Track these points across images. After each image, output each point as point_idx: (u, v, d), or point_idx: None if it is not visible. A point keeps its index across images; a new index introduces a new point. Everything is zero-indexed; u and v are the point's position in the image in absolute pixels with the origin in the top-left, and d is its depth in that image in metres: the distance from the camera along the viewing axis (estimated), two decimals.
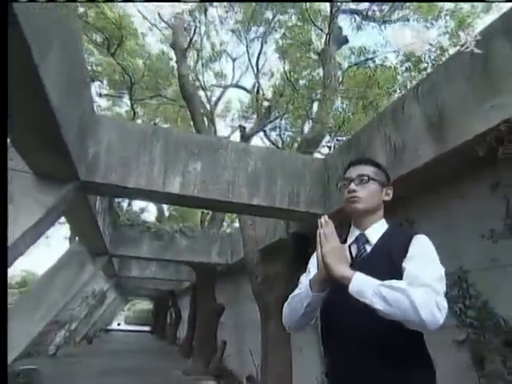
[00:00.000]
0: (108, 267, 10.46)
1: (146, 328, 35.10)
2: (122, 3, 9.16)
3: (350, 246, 1.50)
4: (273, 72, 11.54)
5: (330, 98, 6.54)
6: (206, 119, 11.87)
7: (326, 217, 1.43)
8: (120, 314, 41.80)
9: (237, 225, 9.66)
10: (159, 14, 10.61)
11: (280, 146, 11.46)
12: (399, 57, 8.03)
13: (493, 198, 2.93)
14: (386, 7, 9.14)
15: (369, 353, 1.31)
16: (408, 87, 6.52)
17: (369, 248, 1.47)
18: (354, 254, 1.48)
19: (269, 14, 9.88)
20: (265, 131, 11.52)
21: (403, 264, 1.33)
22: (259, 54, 10.81)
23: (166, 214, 15.74)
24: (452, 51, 7.57)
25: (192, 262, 9.69)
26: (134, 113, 10.36)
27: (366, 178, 1.55)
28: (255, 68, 10.92)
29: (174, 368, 10.23)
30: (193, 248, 9.00)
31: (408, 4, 8.83)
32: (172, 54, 10.10)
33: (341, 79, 7.37)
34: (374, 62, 8.21)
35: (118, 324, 40.58)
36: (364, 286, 1.22)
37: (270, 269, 5.91)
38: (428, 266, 1.33)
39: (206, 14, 10.58)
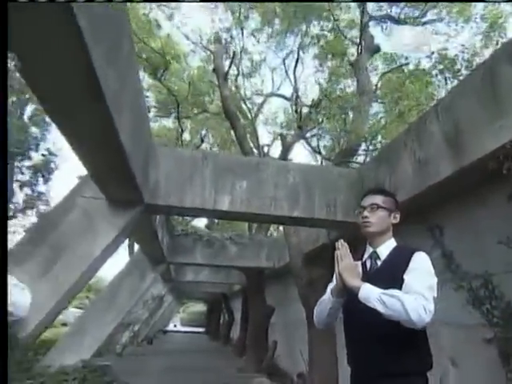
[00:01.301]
0: (166, 273, 11.37)
1: (201, 329, 36.39)
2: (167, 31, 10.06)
3: (365, 261, 1.96)
4: (310, 80, 11.92)
5: (364, 108, 6.87)
6: (248, 130, 12.51)
7: (342, 241, 1.89)
8: (176, 316, 43.65)
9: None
10: (200, 36, 11.42)
11: (321, 152, 11.83)
12: (432, 60, 8.15)
13: (510, 207, 3.20)
14: (417, 11, 9.26)
15: (375, 342, 1.75)
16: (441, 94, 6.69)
17: (379, 263, 1.92)
18: (368, 267, 1.94)
19: (303, 26, 10.29)
20: (306, 138, 11.93)
21: (404, 275, 1.77)
22: (296, 63, 11.23)
23: (216, 220, 16.54)
24: (486, 52, 7.62)
25: (242, 267, 10.32)
26: (182, 129, 11.19)
27: (376, 206, 1.99)
28: (293, 77, 11.35)
29: (229, 366, 10.89)
30: (242, 254, 9.61)
31: (440, 6, 8.91)
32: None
33: (374, 87, 7.65)
34: (408, 65, 8.37)
35: (175, 325, 42.30)
36: (369, 294, 1.67)
37: (314, 272, 6.33)
38: (421, 277, 1.75)
39: (242, 29, 11.22)
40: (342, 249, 1.85)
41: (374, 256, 1.95)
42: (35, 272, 3.93)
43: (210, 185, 4.65)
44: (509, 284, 3.31)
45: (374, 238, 1.96)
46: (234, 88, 11.58)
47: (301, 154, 14.38)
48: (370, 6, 9.28)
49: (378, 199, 2.01)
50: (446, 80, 8.29)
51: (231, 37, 10.97)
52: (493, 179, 3.35)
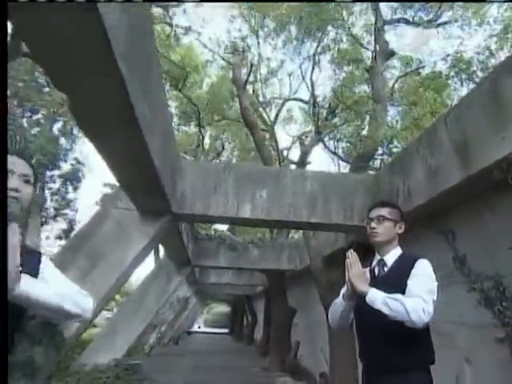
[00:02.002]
0: (190, 276, 11.78)
1: (224, 330, 36.86)
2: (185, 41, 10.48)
3: (374, 268, 2.21)
4: (328, 83, 12.12)
5: (379, 114, 7.04)
6: (267, 134, 12.77)
7: (351, 250, 2.15)
8: (199, 317, 44.30)
9: None
10: (218, 45, 11.77)
11: (339, 155, 11.97)
12: (448, 62, 8.23)
13: None
14: (431, 13, 9.34)
15: (382, 340, 2.00)
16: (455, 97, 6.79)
17: (386, 269, 2.17)
18: (376, 274, 2.19)
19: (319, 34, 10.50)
20: (323, 142, 12.11)
21: (408, 281, 2.01)
22: (312, 68, 11.44)
23: None
24: (502, 54, 7.66)
25: (263, 269, 10.61)
26: (203, 136, 11.60)
27: (382, 218, 2.23)
28: (309, 82, 11.55)
29: (253, 366, 11.20)
30: (264, 256, 9.90)
31: (455, 7, 8.97)
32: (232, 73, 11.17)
33: (390, 91, 7.80)
34: (423, 68, 8.48)
35: (199, 327, 42.91)
36: (376, 298, 1.92)
37: (333, 274, 6.54)
38: (422, 282, 1.98)
39: (258, 37, 11.54)
40: (352, 257, 2.10)
41: (382, 263, 2.19)
42: (75, 277, 4.30)
43: (233, 194, 4.95)
44: None
45: (381, 247, 2.20)
46: (251, 92, 11.87)
47: (321, 156, 14.58)
48: (384, 9, 9.44)
49: (384, 211, 2.24)
50: (461, 82, 8.39)
51: (248, 45, 11.32)
52: (500, 187, 3.52)
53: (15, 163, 1.39)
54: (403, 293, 1.94)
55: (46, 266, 1.47)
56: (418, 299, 1.87)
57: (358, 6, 10.27)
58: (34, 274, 1.35)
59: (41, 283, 1.34)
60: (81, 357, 8.17)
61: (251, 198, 4.98)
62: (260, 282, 13.65)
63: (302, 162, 11.99)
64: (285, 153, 14.54)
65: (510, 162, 2.97)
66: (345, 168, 11.01)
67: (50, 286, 1.36)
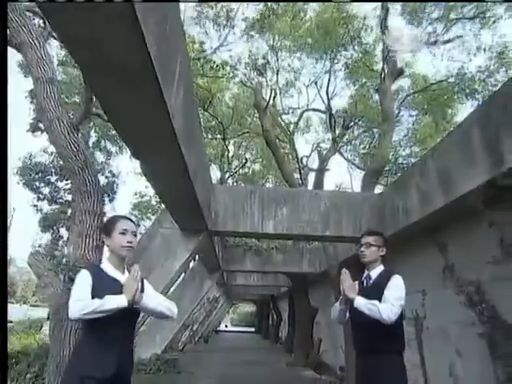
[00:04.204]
0: (220, 279, 12.82)
1: (250, 329, 37.93)
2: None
3: (363, 281, 3.10)
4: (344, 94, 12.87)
5: (388, 133, 7.81)
6: (288, 145, 13.64)
7: (344, 269, 3.05)
8: (226, 316, 45.55)
9: None
10: (239, 62, 12.71)
11: (356, 163, 12.72)
12: (453, 80, 8.87)
13: (491, 232, 4.15)
14: (439, 30, 9.98)
15: (367, 332, 2.88)
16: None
17: (371, 281, 3.05)
18: (365, 284, 3.08)
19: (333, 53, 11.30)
20: (340, 152, 12.90)
21: (385, 291, 2.89)
22: (328, 82, 12.23)
23: None
24: (500, 75, 8.29)
25: (287, 272, 11.51)
26: (228, 149, 12.58)
27: (369, 244, 3.11)
28: (325, 95, 12.33)
29: (279, 362, 12.11)
30: (287, 261, 10.80)
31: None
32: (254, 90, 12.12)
33: (397, 110, 8.55)
34: (431, 87, 9.15)
35: (226, 326, 44.08)
36: (360, 303, 2.81)
37: None
38: (394, 292, 2.83)
39: (277, 55, 12.44)
40: (344, 275, 3.00)
41: (368, 277, 3.08)
42: None
43: (258, 213, 5.89)
44: (494, 291, 4.26)
45: (369, 265, 3.09)
46: (272, 102, 12.74)
47: (340, 164, 15.33)
48: (393, 28, 10.13)
49: (371, 239, 3.13)
50: (466, 97, 9.03)
51: (268, 61, 12.23)
52: (477, 210, 4.31)
53: (128, 224, 2.37)
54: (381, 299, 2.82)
55: (147, 286, 2.45)
56: (388, 304, 2.74)
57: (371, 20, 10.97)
58: (141, 290, 2.33)
59: (148, 298, 2.31)
60: None
61: (274, 216, 5.90)
62: (284, 283, 14.54)
63: (321, 170, 12.80)
64: (304, 160, 15.39)
65: (480, 192, 3.77)
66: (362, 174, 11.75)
67: (153, 300, 2.34)
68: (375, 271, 3.09)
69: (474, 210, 4.32)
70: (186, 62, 3.29)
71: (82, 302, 1.95)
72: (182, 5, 8.36)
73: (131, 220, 2.46)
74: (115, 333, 2.09)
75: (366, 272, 3.13)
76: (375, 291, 2.93)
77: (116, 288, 2.08)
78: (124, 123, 3.01)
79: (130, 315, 2.20)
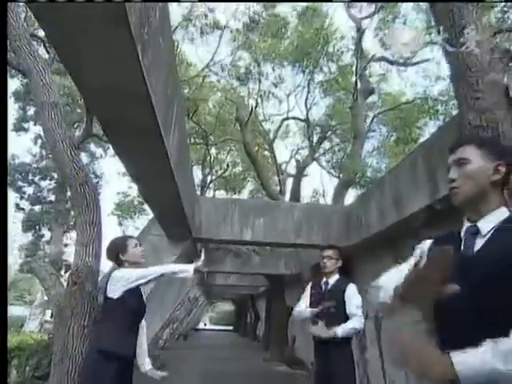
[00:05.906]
0: (201, 279, 13.42)
1: (229, 327, 38.58)
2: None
3: (322, 285, 3.81)
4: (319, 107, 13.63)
5: (358, 149, 8.59)
6: (267, 148, 14.27)
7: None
8: (205, 315, 46.03)
9: None
10: (222, 69, 13.29)
11: (331, 172, 13.49)
12: (420, 100, 9.72)
13: None
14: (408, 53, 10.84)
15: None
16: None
17: (329, 287, 3.76)
18: (323, 289, 3.78)
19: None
20: (317, 160, 13.67)
21: (346, 300, 3.60)
22: (307, 94, 12.96)
23: None
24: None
25: (264, 274, 12.21)
26: (211, 157, 13.16)
27: (328, 257, 3.83)
28: (304, 105, 13.04)
29: (256, 357, 12.83)
30: (265, 263, 11.48)
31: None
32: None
33: (368, 127, 9.35)
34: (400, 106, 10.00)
35: (204, 324, 44.66)
36: (342, 332, 3.51)
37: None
38: (354, 301, 3.53)
39: (259, 66, 13.09)
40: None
41: (326, 283, 3.79)
42: None
43: (238, 222, 6.55)
44: None
45: (327, 274, 3.80)
46: (253, 108, 13.35)
47: (318, 171, 16.08)
48: (368, 48, 10.94)
49: (330, 252, 3.84)
50: (430, 118, 9.91)
51: (250, 71, 12.88)
52: (423, 227, 5.08)
53: (134, 240, 3.02)
54: (341, 302, 3.52)
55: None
56: (358, 316, 3.45)
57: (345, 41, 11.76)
58: None
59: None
60: None
61: (252, 225, 6.57)
62: (263, 284, 15.23)
63: (298, 176, 13.55)
64: (283, 166, 16.10)
65: (424, 212, 4.53)
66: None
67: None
68: (332, 279, 3.80)
69: (421, 227, 5.09)
70: (181, 103, 3.94)
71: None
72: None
73: (134, 237, 3.13)
74: (134, 321, 2.75)
75: (325, 279, 3.84)
76: (333, 296, 3.64)
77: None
78: (130, 163, 3.81)
79: (144, 309, 2.86)
